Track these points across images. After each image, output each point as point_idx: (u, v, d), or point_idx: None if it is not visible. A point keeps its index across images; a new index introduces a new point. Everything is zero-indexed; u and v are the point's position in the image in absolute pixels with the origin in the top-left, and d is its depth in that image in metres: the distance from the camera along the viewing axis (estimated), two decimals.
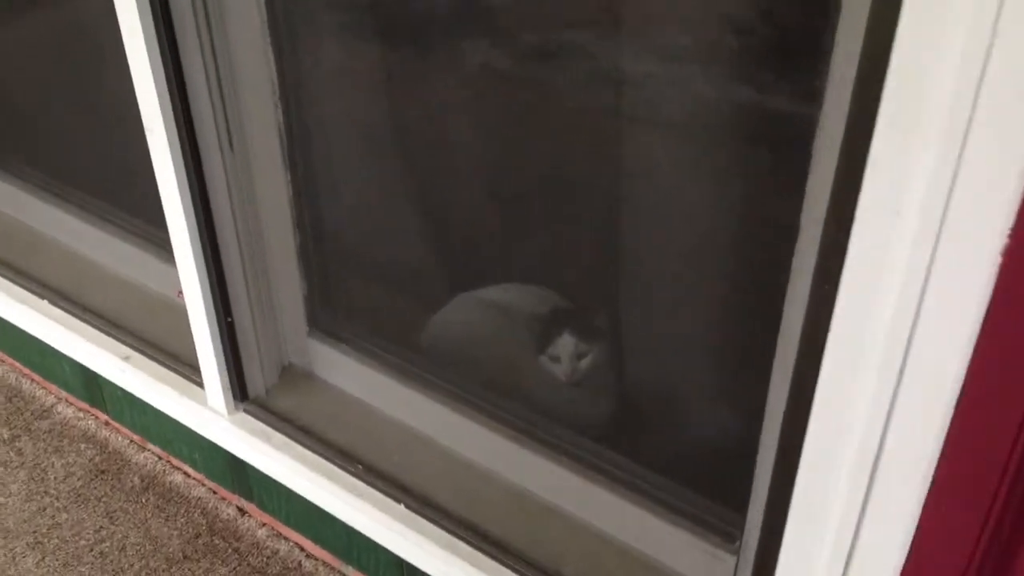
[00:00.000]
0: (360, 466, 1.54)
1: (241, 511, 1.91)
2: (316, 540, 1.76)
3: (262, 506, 1.83)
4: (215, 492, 1.95)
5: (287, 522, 1.80)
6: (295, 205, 1.55)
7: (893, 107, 0.76)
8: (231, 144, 1.46)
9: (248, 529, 1.88)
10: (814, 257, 0.91)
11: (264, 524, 1.87)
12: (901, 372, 0.84)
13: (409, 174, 1.68)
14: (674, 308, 1.56)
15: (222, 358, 1.61)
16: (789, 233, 0.99)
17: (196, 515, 1.91)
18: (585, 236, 1.73)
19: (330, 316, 1.68)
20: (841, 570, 0.98)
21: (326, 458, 1.57)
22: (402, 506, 1.48)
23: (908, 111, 0.75)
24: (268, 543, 1.84)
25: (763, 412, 1.16)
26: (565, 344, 1.61)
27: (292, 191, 1.54)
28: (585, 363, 1.62)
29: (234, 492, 1.89)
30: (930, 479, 0.87)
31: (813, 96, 0.89)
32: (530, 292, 1.86)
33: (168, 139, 1.39)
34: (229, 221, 1.50)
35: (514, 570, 1.38)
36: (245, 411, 1.67)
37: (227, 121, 1.44)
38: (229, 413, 1.67)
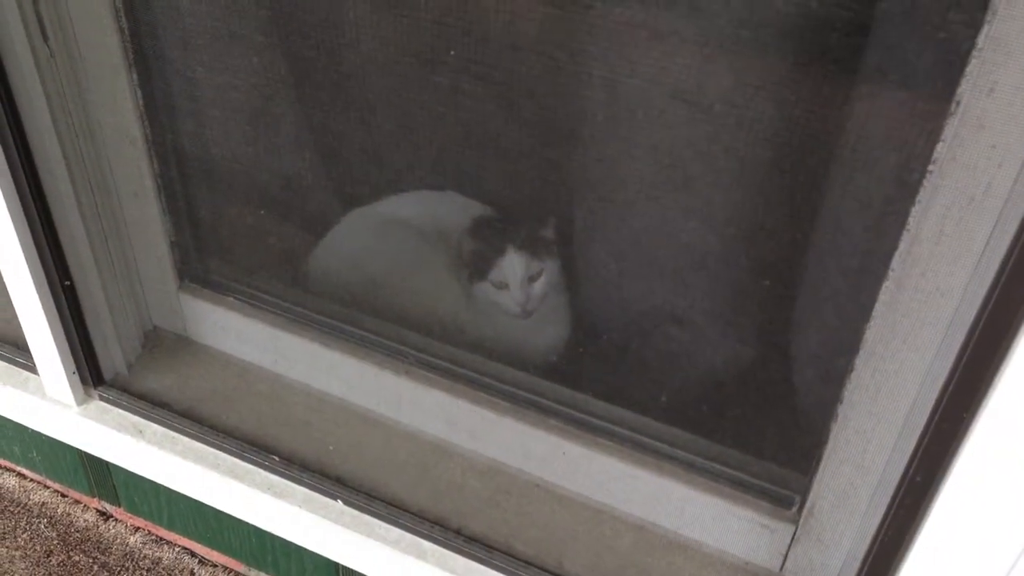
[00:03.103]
0: (276, 457, 1.18)
1: (103, 515, 1.50)
2: (213, 545, 1.39)
3: (133, 509, 1.44)
4: (64, 495, 1.53)
5: (170, 526, 1.42)
6: (147, 119, 1.12)
7: None
8: (44, 34, 1.01)
9: (116, 537, 1.48)
10: None
11: (137, 528, 1.48)
12: None
13: (295, 70, 1.27)
14: (646, 200, 1.24)
15: (61, 334, 1.19)
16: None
17: (42, 527, 1.49)
18: (506, 122, 1.39)
19: (206, 263, 1.28)
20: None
21: (225, 450, 1.19)
22: (339, 502, 1.15)
23: None
24: (146, 551, 1.46)
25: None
26: (512, 265, 1.29)
27: (142, 100, 1.11)
28: (539, 286, 1.31)
29: (92, 495, 1.48)
30: None
31: None
32: (444, 200, 1.50)
33: None
34: (54, 147, 1.06)
35: (501, 570, 1.09)
36: (101, 398, 1.25)
37: (35, 2, 0.99)
38: (79, 403, 1.25)
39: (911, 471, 0.80)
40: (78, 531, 1.49)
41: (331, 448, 1.18)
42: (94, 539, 1.48)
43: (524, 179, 1.45)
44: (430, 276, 1.44)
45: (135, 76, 1.09)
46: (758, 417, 1.07)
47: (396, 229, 1.47)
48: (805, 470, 0.99)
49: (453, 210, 1.48)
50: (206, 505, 1.24)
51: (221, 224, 1.27)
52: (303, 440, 1.20)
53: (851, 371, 0.87)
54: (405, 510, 1.13)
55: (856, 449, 0.90)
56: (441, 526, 1.12)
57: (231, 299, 1.26)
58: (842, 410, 0.89)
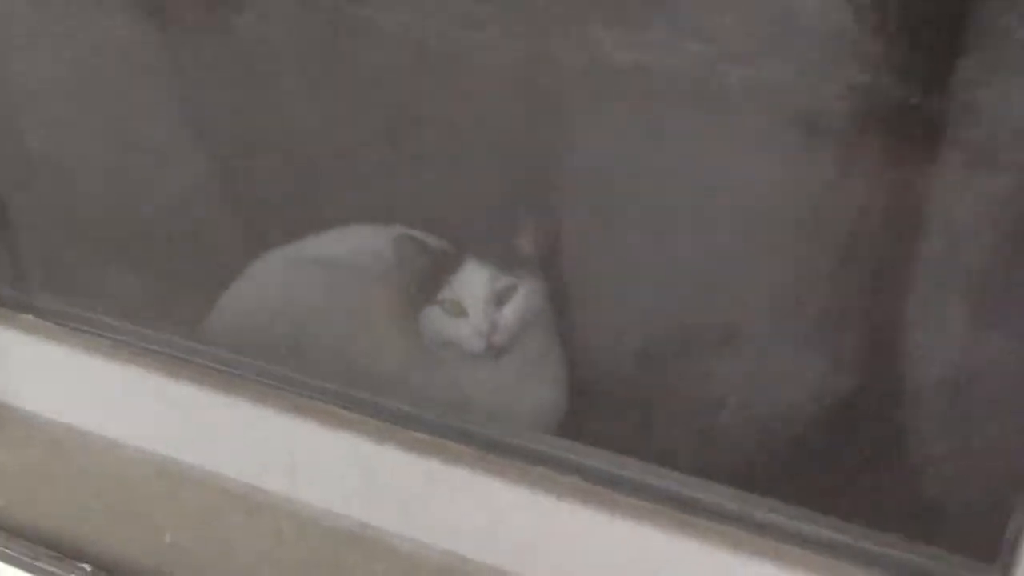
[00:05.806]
0: (87, 567, 0.73)
1: None
2: None
3: None
4: None
5: None
6: None
7: None
8: None
9: None
10: None
11: None
12: None
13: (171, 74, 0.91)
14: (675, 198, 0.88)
15: None
16: None
17: None
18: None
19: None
20: None
21: (11, 560, 0.75)
22: None
23: None
24: None
25: None
26: (471, 278, 0.89)
27: None
28: (510, 311, 0.90)
29: None
30: None
31: None
32: (398, 238, 1.07)
33: None
34: None
35: None
36: None
37: None
38: None
39: None
40: None
41: (168, 539, 0.73)
42: None
43: (493, 167, 1.10)
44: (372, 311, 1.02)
45: None
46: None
47: (329, 274, 1.06)
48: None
49: (407, 247, 1.05)
50: None
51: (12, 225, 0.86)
52: (138, 536, 0.76)
53: None
54: None
55: None
56: None
57: (44, 324, 0.83)
58: None
